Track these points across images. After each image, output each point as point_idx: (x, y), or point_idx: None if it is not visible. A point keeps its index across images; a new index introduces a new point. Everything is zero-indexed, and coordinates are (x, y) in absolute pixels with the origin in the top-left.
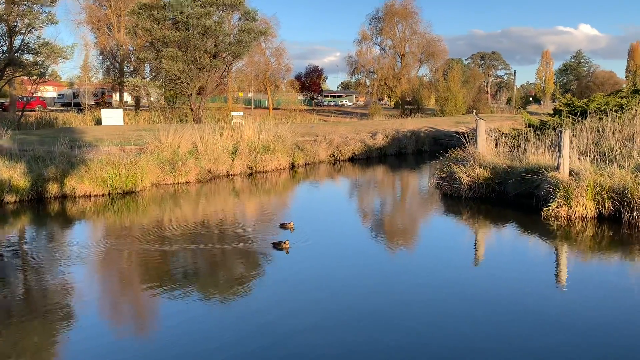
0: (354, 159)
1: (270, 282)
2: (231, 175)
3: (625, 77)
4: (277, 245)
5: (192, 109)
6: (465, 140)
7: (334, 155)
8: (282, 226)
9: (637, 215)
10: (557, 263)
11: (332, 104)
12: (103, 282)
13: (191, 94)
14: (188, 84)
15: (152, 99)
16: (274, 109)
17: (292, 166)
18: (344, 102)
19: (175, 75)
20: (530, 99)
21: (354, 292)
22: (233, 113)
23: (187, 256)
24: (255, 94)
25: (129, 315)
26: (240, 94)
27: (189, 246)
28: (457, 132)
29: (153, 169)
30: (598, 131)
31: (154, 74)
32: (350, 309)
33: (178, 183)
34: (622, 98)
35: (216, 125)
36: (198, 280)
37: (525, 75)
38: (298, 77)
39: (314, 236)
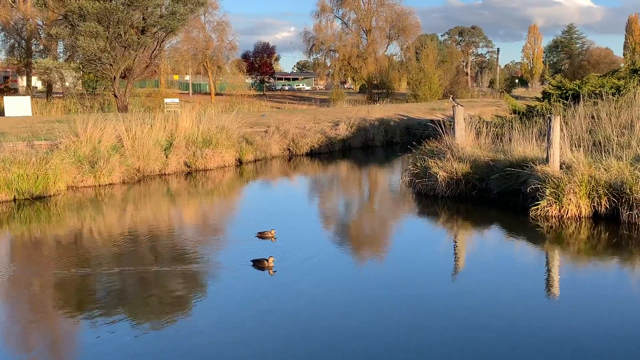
0: (312, 153)
1: (214, 307)
2: (165, 174)
3: (623, 55)
4: (258, 264)
5: (115, 96)
6: (442, 129)
7: (289, 149)
8: (261, 235)
9: (636, 214)
10: (548, 270)
11: (286, 88)
12: (7, 314)
13: (115, 78)
14: (111, 65)
15: (67, 83)
16: (216, 94)
17: (239, 163)
18: (301, 86)
19: (95, 55)
20: (516, 80)
21: (316, 311)
22: (166, 100)
23: (113, 281)
24: (193, 77)
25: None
26: (176, 77)
27: (115, 268)
28: (432, 121)
29: (69, 168)
30: (592, 117)
31: (68, 53)
32: (311, 331)
33: (100, 185)
34: (619, 79)
35: (146, 114)
36: (126, 310)
37: (510, 54)
38: (245, 57)
39: (270, 248)
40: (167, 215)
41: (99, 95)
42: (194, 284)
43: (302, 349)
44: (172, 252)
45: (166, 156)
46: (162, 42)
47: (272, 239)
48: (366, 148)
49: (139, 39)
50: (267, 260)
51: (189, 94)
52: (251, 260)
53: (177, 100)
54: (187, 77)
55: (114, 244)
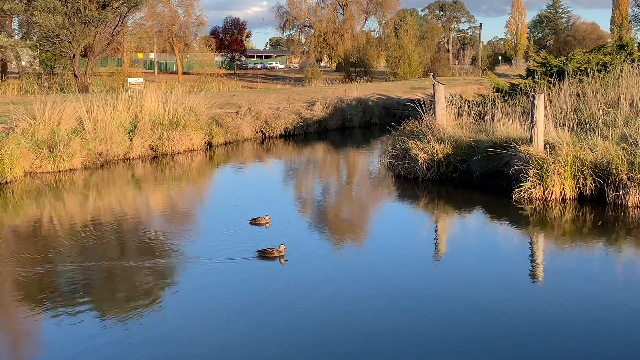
0: (287, 135)
1: (184, 301)
2: (129, 159)
3: (610, 31)
4: (266, 254)
5: (75, 75)
6: (422, 109)
7: (262, 131)
8: (255, 222)
9: (623, 195)
10: (532, 254)
11: (258, 66)
12: None
13: (74, 56)
14: (70, 42)
15: (22, 63)
16: (184, 73)
17: (209, 146)
18: (274, 64)
19: (53, 32)
20: (500, 57)
21: (301, 301)
22: (130, 79)
23: (79, 278)
24: (159, 55)
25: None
26: (140, 55)
27: (79, 263)
28: (412, 100)
29: (26, 153)
30: (578, 95)
31: (24, 30)
32: (299, 323)
33: (60, 171)
34: (605, 55)
35: (108, 95)
36: (95, 308)
37: (493, 29)
38: (214, 33)
39: (243, 236)
40: (133, 204)
41: (57, 75)
42: (166, 280)
43: (287, 341)
44: (140, 244)
45: (130, 139)
46: (124, 17)
47: (267, 225)
48: (343, 129)
49: (99, 14)
50: (278, 250)
51: (154, 73)
52: (257, 251)
53: (141, 79)
54: (152, 55)
55: (78, 235)
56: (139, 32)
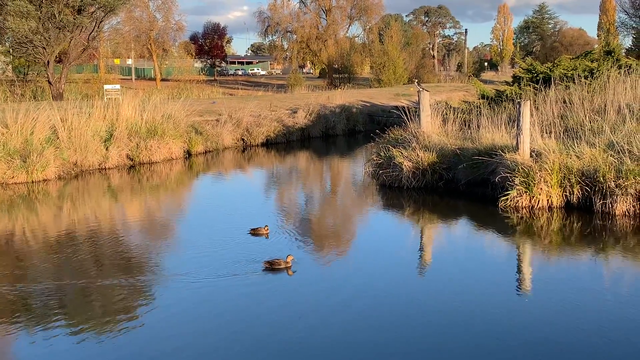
0: (269, 144)
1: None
2: (105, 168)
3: (597, 36)
4: (273, 265)
5: (50, 82)
6: (407, 116)
7: (243, 139)
8: (254, 232)
9: (610, 203)
10: (519, 263)
11: (240, 72)
12: None
13: (48, 62)
14: (44, 48)
15: None
16: (162, 80)
17: (188, 154)
18: (256, 70)
19: (26, 37)
20: (485, 64)
21: (278, 312)
22: (106, 86)
23: (53, 298)
24: (136, 61)
25: None
26: (117, 61)
27: (54, 282)
28: (397, 107)
29: None
30: (564, 102)
31: None
32: (279, 333)
33: (33, 181)
34: (592, 61)
35: (83, 102)
36: (71, 325)
37: (479, 35)
38: (194, 39)
39: (224, 248)
40: (109, 216)
41: (31, 82)
42: (148, 299)
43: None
44: (119, 259)
45: (106, 148)
46: (100, 22)
47: (266, 235)
48: (327, 137)
49: (75, 19)
50: (286, 261)
51: (131, 79)
52: (264, 262)
53: (118, 86)
54: (130, 61)
55: (53, 250)
56: (115, 37)
